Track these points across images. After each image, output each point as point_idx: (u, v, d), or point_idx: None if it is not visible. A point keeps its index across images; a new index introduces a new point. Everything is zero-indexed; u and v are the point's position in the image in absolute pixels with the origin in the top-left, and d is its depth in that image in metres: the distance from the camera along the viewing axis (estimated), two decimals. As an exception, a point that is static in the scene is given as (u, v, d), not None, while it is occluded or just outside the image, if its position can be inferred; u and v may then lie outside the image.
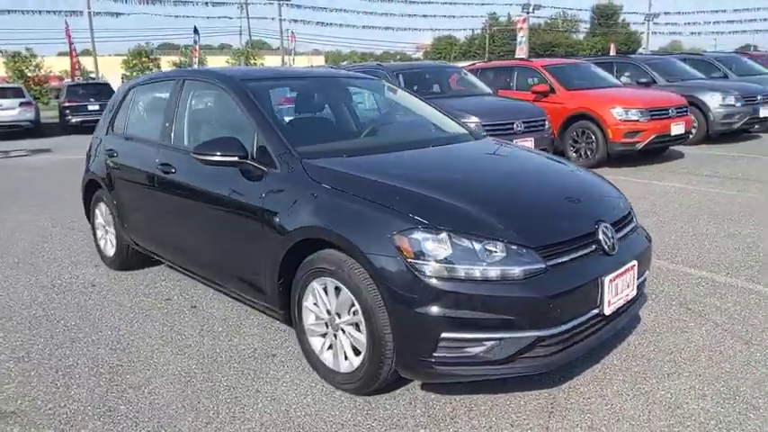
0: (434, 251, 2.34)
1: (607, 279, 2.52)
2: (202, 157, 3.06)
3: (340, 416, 2.55)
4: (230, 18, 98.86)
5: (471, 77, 9.41)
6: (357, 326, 2.60)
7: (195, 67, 27.90)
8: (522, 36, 33.66)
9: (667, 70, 11.10)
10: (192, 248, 3.59)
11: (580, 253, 2.51)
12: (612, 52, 39.01)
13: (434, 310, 2.30)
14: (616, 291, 2.59)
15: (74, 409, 2.69)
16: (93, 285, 4.39)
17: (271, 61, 46.22)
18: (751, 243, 4.78)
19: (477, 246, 2.34)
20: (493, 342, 2.32)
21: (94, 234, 4.91)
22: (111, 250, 4.69)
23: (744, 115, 9.88)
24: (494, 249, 2.34)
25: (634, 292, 2.76)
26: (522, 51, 33.95)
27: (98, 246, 4.88)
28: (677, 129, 8.52)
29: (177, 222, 3.67)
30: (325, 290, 2.71)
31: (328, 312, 2.72)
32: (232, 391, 2.79)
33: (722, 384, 2.69)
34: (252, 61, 34.92)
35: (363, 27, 65.34)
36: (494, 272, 2.31)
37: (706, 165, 8.36)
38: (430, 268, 2.32)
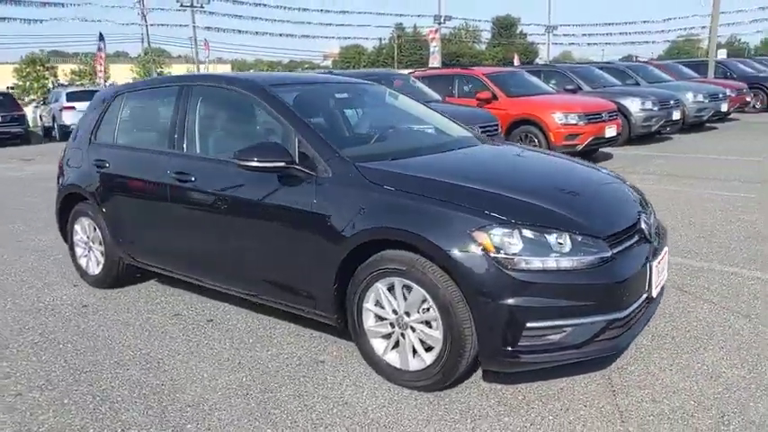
0: (514, 245, 2.46)
1: (654, 264, 2.76)
2: (246, 162, 2.99)
3: (420, 413, 2.60)
4: (124, 24, 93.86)
5: (419, 84, 9.66)
6: (428, 323, 2.66)
7: (101, 74, 26.32)
8: (434, 46, 34.70)
9: (590, 78, 11.99)
10: (218, 259, 3.46)
11: (632, 241, 2.73)
12: (516, 62, 41.25)
13: (519, 301, 2.42)
14: (659, 274, 2.85)
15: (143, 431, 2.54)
16: (84, 306, 4.09)
17: (178, 70, 44.48)
18: (708, 231, 5.32)
19: (553, 238, 2.49)
20: (571, 328, 2.47)
21: (73, 252, 4.57)
22: (95, 268, 4.39)
23: (660, 118, 10.87)
24: (568, 241, 2.50)
25: (666, 276, 3.04)
26: (435, 61, 35.01)
27: (78, 264, 4.55)
28: (610, 131, 9.24)
29: (197, 232, 3.52)
30: (391, 290, 2.75)
31: (394, 312, 2.76)
32: (300, 400, 2.75)
33: (745, 353, 3.02)
34: (159, 69, 33.44)
35: (271, 35, 64.27)
36: (570, 262, 2.47)
37: (639, 164, 9.12)
38: (512, 261, 2.44)
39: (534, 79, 10.72)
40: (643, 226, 2.85)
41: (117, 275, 4.32)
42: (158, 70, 32.67)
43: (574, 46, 69.21)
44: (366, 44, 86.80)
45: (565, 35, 61.37)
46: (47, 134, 20.58)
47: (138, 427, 2.58)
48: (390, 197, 2.73)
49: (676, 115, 11.21)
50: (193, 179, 3.46)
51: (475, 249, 2.47)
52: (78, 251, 4.53)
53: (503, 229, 2.48)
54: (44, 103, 22.35)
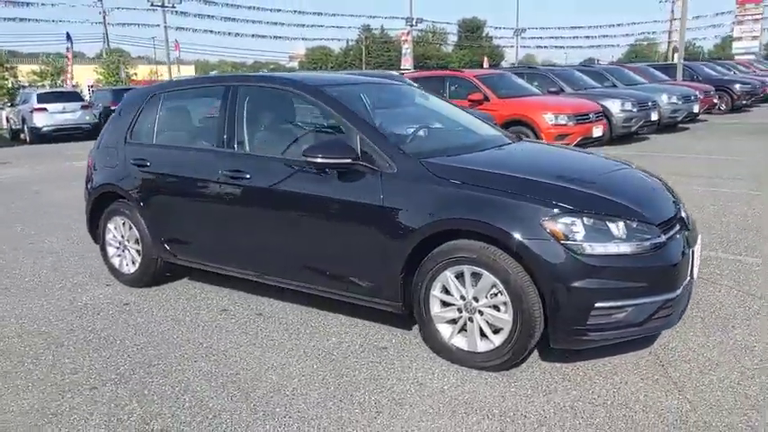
0: (581, 232, 2.68)
1: (695, 249, 3.03)
2: (314, 159, 3.14)
3: (493, 390, 2.79)
4: (82, 23, 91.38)
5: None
6: (496, 307, 2.86)
7: (70, 74, 25.69)
8: (407, 48, 35.18)
9: (570, 80, 12.44)
10: (275, 253, 3.58)
11: (676, 229, 2.99)
12: (486, 65, 41.98)
13: (588, 283, 2.64)
14: (697, 259, 3.12)
15: (228, 419, 2.66)
16: (125, 304, 4.15)
17: (143, 71, 43.65)
18: (706, 224, 5.68)
19: (615, 225, 2.72)
20: (633, 307, 2.71)
21: (104, 251, 4.60)
22: (131, 267, 4.44)
23: (639, 119, 11.37)
24: (628, 227, 2.74)
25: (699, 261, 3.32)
26: (407, 62, 35.48)
27: (110, 264, 4.58)
28: (597, 131, 9.65)
29: (252, 228, 3.64)
30: (458, 277, 2.94)
31: (462, 298, 2.95)
32: (377, 382, 2.91)
33: (771, 330, 3.33)
34: (129, 70, 32.80)
35: (236, 35, 63.58)
36: (630, 247, 2.71)
37: (624, 162, 9.54)
38: (580, 247, 2.66)
39: (521, 81, 11.08)
40: (683, 215, 3.12)
41: (154, 274, 4.38)
42: (129, 71, 31.99)
43: (539, 49, 70.86)
44: (333, 45, 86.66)
45: (531, 38, 62.71)
46: (14, 137, 20.00)
47: (230, 412, 2.70)
48: (460, 190, 2.92)
49: (654, 116, 11.73)
50: (248, 177, 3.57)
51: (546, 237, 2.68)
52: (111, 251, 4.56)
53: (571, 217, 2.71)
54: (11, 105, 21.69)
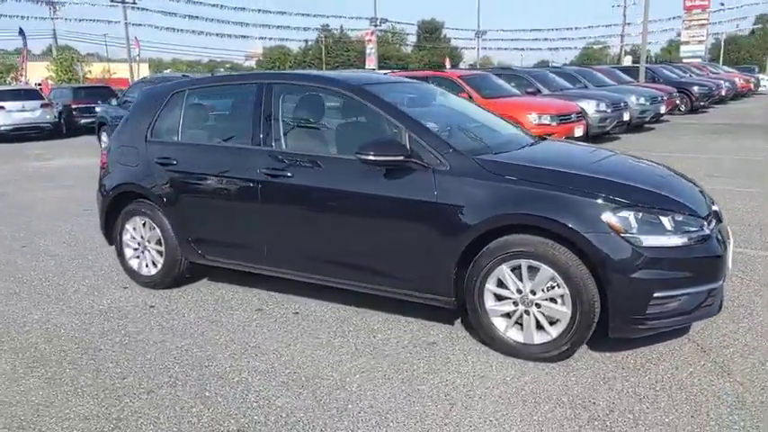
0: (640, 225, 2.81)
1: (730, 242, 3.21)
2: (367, 157, 3.16)
3: (555, 380, 2.88)
4: (27, 19, 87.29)
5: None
6: (553, 299, 2.96)
7: (24, 71, 24.59)
8: (371, 48, 35.27)
9: (546, 81, 12.77)
10: (319, 251, 3.57)
11: (714, 221, 3.15)
12: (448, 66, 42.47)
13: (647, 274, 2.77)
14: (731, 251, 3.29)
15: (303, 417, 2.65)
16: (151, 306, 4.06)
17: (97, 68, 42.24)
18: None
19: (669, 217, 2.86)
20: (685, 296, 2.85)
21: (121, 253, 4.47)
22: (151, 269, 4.34)
23: (613, 119, 11.78)
24: (682, 220, 2.88)
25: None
26: (371, 62, 35.57)
27: (128, 266, 4.46)
28: (578, 131, 9.96)
29: (294, 226, 3.62)
30: (514, 271, 3.02)
31: (519, 291, 3.03)
32: (438, 375, 2.96)
33: (794, 316, 3.55)
34: (85, 68, 31.66)
35: (191, 32, 62.31)
36: (683, 238, 2.85)
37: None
38: (638, 240, 2.79)
39: (502, 82, 11.31)
40: (715, 208, 3.30)
41: (176, 276, 4.30)
42: (86, 69, 30.86)
43: (498, 51, 72.14)
44: (291, 45, 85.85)
45: (490, 40, 63.75)
46: (-32, 137, 19.02)
47: (302, 410, 2.69)
48: (518, 187, 3.00)
49: (626, 117, 12.18)
50: (290, 174, 3.56)
51: (607, 231, 2.79)
52: (128, 252, 4.45)
53: (628, 211, 2.83)
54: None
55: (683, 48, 39.16)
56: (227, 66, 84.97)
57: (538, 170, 3.10)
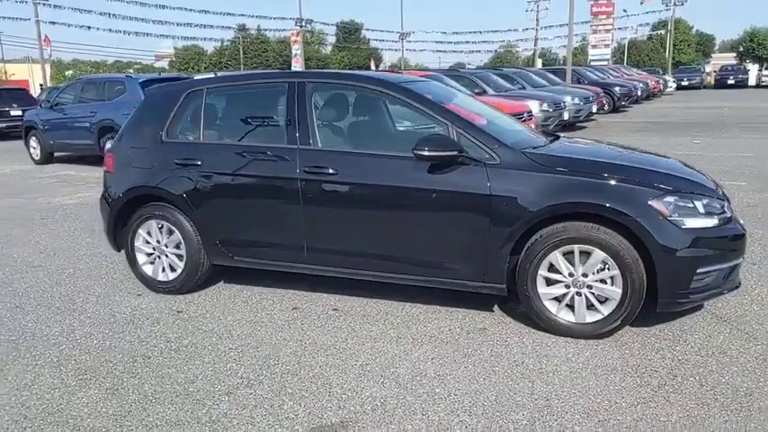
0: (680, 209, 3.12)
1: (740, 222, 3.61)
2: (424, 153, 3.29)
3: (611, 354, 3.13)
4: None
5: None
6: (603, 281, 3.21)
7: None
8: (297, 48, 34.96)
9: (489, 82, 13.30)
10: (369, 247, 3.63)
11: (727, 203, 3.54)
12: (372, 67, 42.89)
13: (690, 252, 3.08)
14: (739, 231, 3.71)
15: (398, 404, 2.73)
16: (178, 311, 3.95)
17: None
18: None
19: (702, 201, 3.19)
20: (717, 272, 3.20)
21: (133, 259, 4.30)
22: (169, 274, 4.21)
23: (555, 118, 12.50)
24: (709, 203, 3.22)
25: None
26: (298, 63, 35.28)
27: (141, 272, 4.29)
28: (530, 129, 10.47)
29: (341, 223, 3.66)
30: (566, 256, 3.25)
31: (571, 275, 3.26)
32: (505, 358, 3.13)
33: (783, 287, 4.03)
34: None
35: (97, 29, 58.79)
36: (714, 220, 3.19)
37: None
38: (681, 222, 3.10)
39: (454, 83, 11.66)
40: (722, 192, 3.70)
41: (198, 280, 4.20)
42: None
43: (416, 53, 73.59)
44: (205, 45, 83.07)
45: (413, 41, 64.86)
46: None
47: (395, 398, 2.77)
48: (571, 177, 3.23)
49: (565, 116, 12.95)
50: (333, 172, 3.60)
51: (655, 215, 3.08)
52: (141, 258, 4.28)
53: (671, 197, 3.13)
54: None
55: (591, 51, 41.63)
56: (137, 66, 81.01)
57: (584, 162, 3.36)
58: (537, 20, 50.46)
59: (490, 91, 12.76)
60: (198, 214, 4.01)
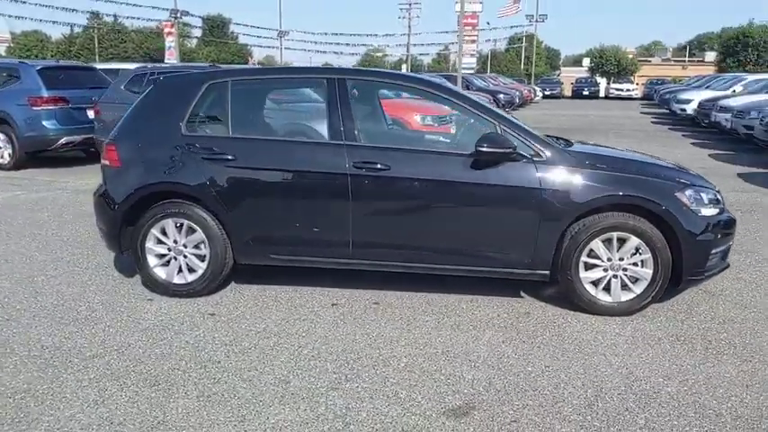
0: (698, 200, 3.65)
1: (720, 211, 4.28)
2: (485, 149, 3.50)
3: (651, 326, 3.57)
4: None
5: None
6: (636, 264, 3.66)
7: None
8: (171, 41, 32.95)
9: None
10: (419, 240, 3.74)
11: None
12: (251, 63, 41.80)
13: (706, 237, 3.63)
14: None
15: (499, 384, 2.92)
16: (211, 314, 3.75)
17: None
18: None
19: (710, 194, 3.76)
20: (720, 252, 3.79)
21: (143, 262, 3.97)
22: (187, 276, 3.97)
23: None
24: (709, 195, 3.79)
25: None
26: (172, 56, 33.30)
27: (152, 275, 3.98)
28: (453, 131, 11.06)
29: (393, 218, 3.73)
30: (606, 243, 3.64)
31: (609, 259, 3.66)
32: (567, 337, 3.44)
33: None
34: None
35: None
36: (718, 209, 3.77)
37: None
38: (698, 211, 3.63)
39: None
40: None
41: (221, 281, 4.01)
42: None
43: (282, 51, 72.68)
44: (50, 31, 74.99)
45: (289, 39, 63.76)
46: None
47: (498, 379, 2.95)
48: (611, 173, 3.63)
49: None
50: (383, 167, 3.65)
51: (680, 205, 3.58)
52: (152, 260, 3.98)
53: (689, 190, 3.66)
54: None
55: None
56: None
57: (616, 159, 3.79)
58: (409, 27, 52.47)
59: (404, 94, 13.18)
60: (228, 211, 3.83)
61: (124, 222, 3.98)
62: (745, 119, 11.26)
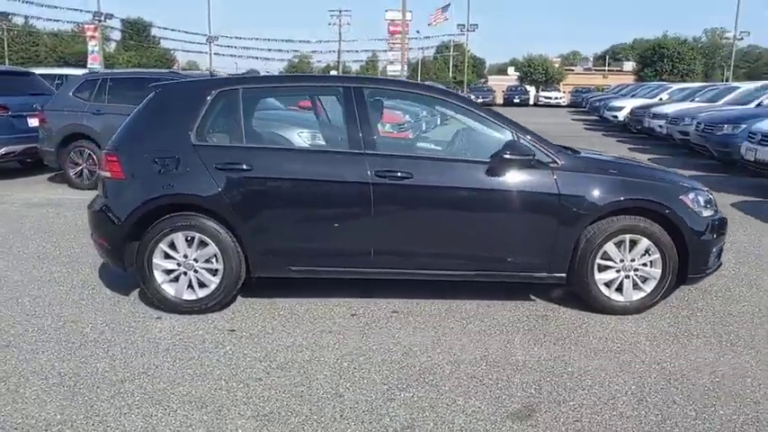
0: (700, 203, 3.90)
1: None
2: (508, 156, 3.60)
3: (665, 321, 3.78)
4: None
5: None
6: (645, 264, 3.85)
7: None
8: (94, 45, 31.26)
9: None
10: (446, 247, 3.76)
11: None
12: (176, 67, 40.40)
13: (707, 236, 3.88)
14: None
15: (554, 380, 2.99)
16: (231, 331, 3.61)
17: None
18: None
19: (706, 197, 4.02)
20: (717, 250, 4.05)
21: (150, 279, 3.75)
22: (198, 292, 3.80)
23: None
24: (709, 198, 4.07)
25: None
26: (95, 61, 31.59)
27: (160, 293, 3.78)
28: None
29: (418, 225, 3.73)
30: (618, 246, 3.81)
31: (621, 261, 3.83)
32: (592, 334, 3.58)
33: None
34: None
35: None
36: (711, 210, 4.02)
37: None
38: (700, 212, 3.88)
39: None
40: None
41: (234, 295, 3.87)
42: None
43: (204, 56, 70.51)
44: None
45: (218, 45, 61.79)
46: None
47: (546, 381, 3.02)
48: (623, 178, 3.81)
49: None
50: (405, 175, 3.65)
51: (685, 208, 3.81)
52: (160, 277, 3.77)
53: (692, 193, 3.90)
54: None
55: (389, 67, 44.68)
56: None
57: (624, 165, 3.98)
58: (340, 33, 52.59)
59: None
60: (245, 223, 3.70)
61: (128, 237, 3.76)
62: (679, 125, 12.10)
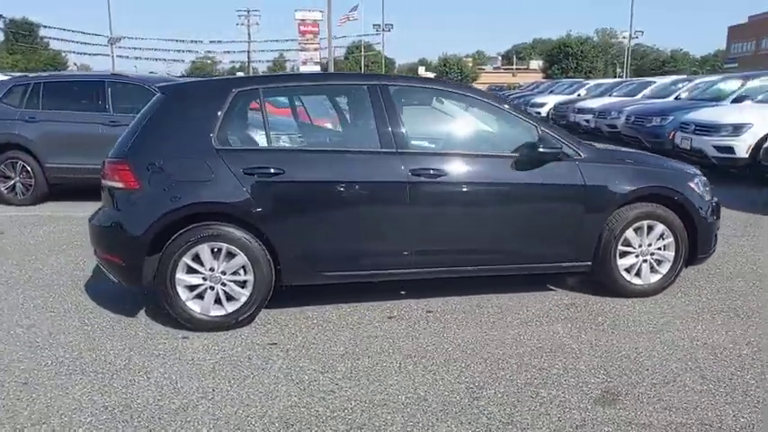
0: (705, 188, 4.17)
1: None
2: (542, 149, 3.66)
3: (681, 302, 3.99)
4: None
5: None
6: (661, 248, 4.06)
7: None
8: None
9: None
10: (481, 243, 3.76)
11: None
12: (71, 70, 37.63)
13: (712, 219, 4.16)
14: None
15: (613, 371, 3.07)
16: (272, 344, 3.42)
17: None
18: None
19: (705, 182, 4.30)
20: (717, 232, 4.35)
21: (174, 297, 3.47)
22: (227, 307, 3.56)
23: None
24: (704, 182, 4.35)
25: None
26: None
27: (186, 311, 3.50)
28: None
29: (455, 223, 3.70)
30: (637, 231, 3.99)
31: (640, 246, 4.02)
32: (621, 320, 3.72)
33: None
34: None
35: None
36: (710, 195, 4.33)
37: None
38: (708, 197, 4.15)
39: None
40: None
41: (261, 306, 3.66)
42: None
43: (107, 58, 66.38)
44: None
45: (120, 47, 57.95)
46: None
47: (618, 369, 3.09)
48: (641, 167, 4.02)
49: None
50: (439, 172, 3.63)
51: (694, 193, 4.06)
52: (184, 294, 3.49)
53: (697, 179, 4.16)
54: None
55: (302, 67, 44.27)
56: None
57: (635, 155, 4.17)
58: (249, 34, 51.39)
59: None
60: (277, 230, 3.51)
61: (148, 252, 3.45)
62: (608, 119, 12.91)
